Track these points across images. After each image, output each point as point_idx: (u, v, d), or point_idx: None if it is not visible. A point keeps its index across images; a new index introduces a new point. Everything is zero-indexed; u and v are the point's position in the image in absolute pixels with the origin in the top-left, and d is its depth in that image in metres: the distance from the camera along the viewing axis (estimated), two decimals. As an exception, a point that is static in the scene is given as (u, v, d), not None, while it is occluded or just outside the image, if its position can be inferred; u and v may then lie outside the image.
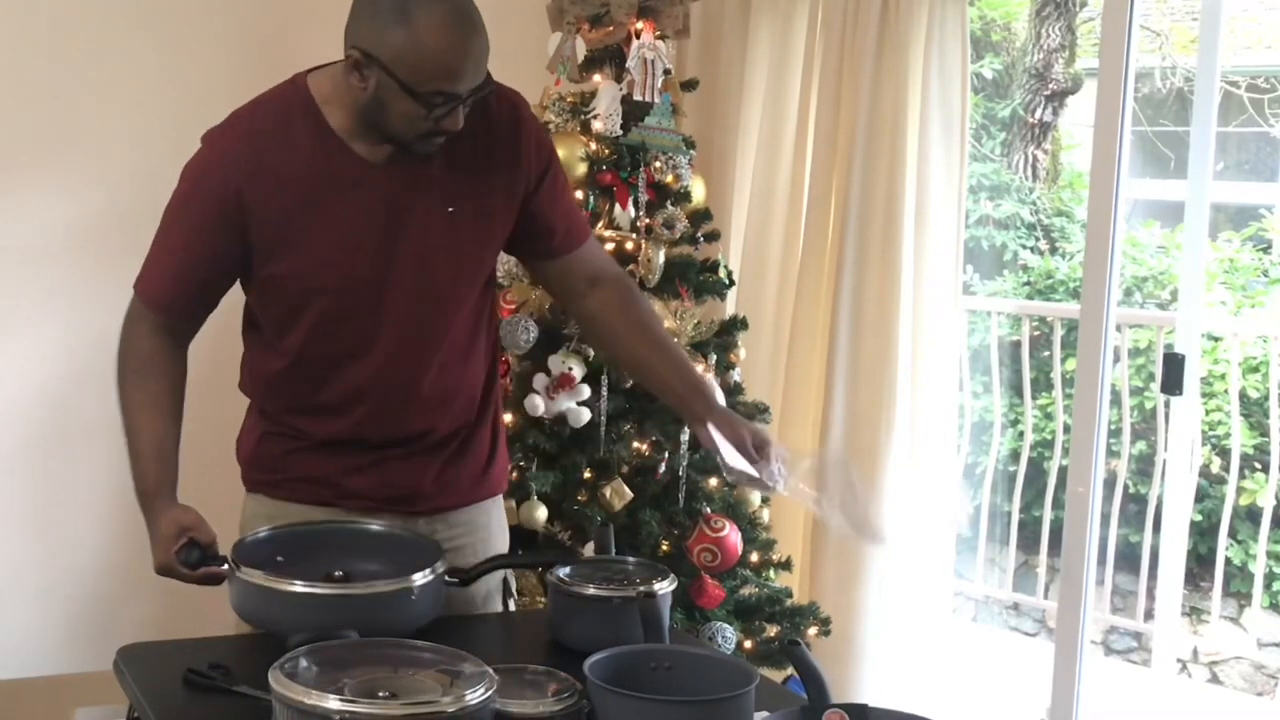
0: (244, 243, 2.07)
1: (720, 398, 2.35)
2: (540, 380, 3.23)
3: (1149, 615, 4.97)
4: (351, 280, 2.09)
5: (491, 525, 2.33)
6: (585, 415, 3.25)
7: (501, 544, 2.36)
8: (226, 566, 1.96)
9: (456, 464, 2.25)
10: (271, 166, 2.05)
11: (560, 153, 3.28)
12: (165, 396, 2.13)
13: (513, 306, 3.30)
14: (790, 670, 3.11)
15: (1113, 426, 4.91)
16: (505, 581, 2.34)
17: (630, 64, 3.38)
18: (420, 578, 1.94)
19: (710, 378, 2.73)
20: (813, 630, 3.48)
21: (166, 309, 2.14)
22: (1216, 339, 5.65)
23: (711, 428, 2.15)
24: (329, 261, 2.08)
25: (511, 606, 2.38)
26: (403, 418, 2.17)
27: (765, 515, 3.54)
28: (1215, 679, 5.59)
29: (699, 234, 3.52)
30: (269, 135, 2.07)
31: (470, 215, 2.12)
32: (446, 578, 2.01)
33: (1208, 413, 5.59)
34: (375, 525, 2.14)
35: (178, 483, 2.10)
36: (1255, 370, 5.52)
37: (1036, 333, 5.80)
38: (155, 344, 2.13)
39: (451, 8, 1.93)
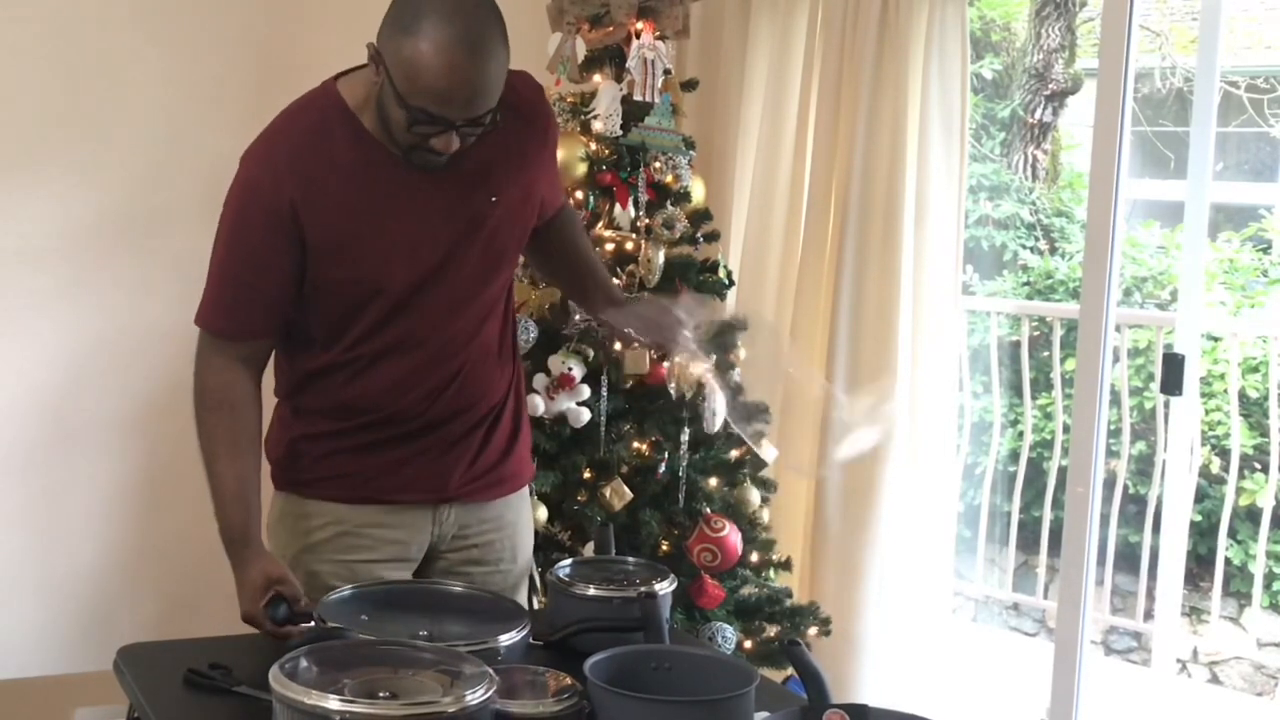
0: (298, 251, 2.07)
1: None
2: (540, 380, 3.23)
3: (1149, 615, 4.97)
4: (409, 281, 2.11)
5: (519, 522, 2.37)
6: (585, 415, 3.25)
7: (527, 540, 2.40)
8: (313, 623, 1.92)
9: (485, 456, 2.27)
10: (317, 176, 2.06)
11: (560, 153, 3.31)
12: (244, 435, 2.11)
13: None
14: (790, 670, 3.11)
15: (1112, 426, 4.91)
16: (532, 577, 2.36)
17: (630, 64, 3.38)
18: (506, 639, 1.89)
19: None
20: (813, 630, 3.48)
21: (237, 336, 2.12)
22: (1216, 339, 5.65)
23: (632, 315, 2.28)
24: (386, 264, 2.09)
25: (536, 604, 2.39)
26: (440, 410, 2.20)
27: (765, 515, 3.54)
28: (1215, 679, 5.59)
29: (699, 234, 3.52)
30: (310, 146, 2.08)
31: (511, 204, 2.17)
32: (532, 639, 1.97)
33: (1207, 413, 5.59)
34: (458, 586, 2.13)
35: (258, 520, 2.10)
36: (1255, 370, 5.52)
37: (1036, 333, 5.80)
38: (229, 378, 2.11)
39: (460, 32, 1.90)
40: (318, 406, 2.22)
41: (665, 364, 3.31)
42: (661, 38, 3.44)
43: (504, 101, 2.06)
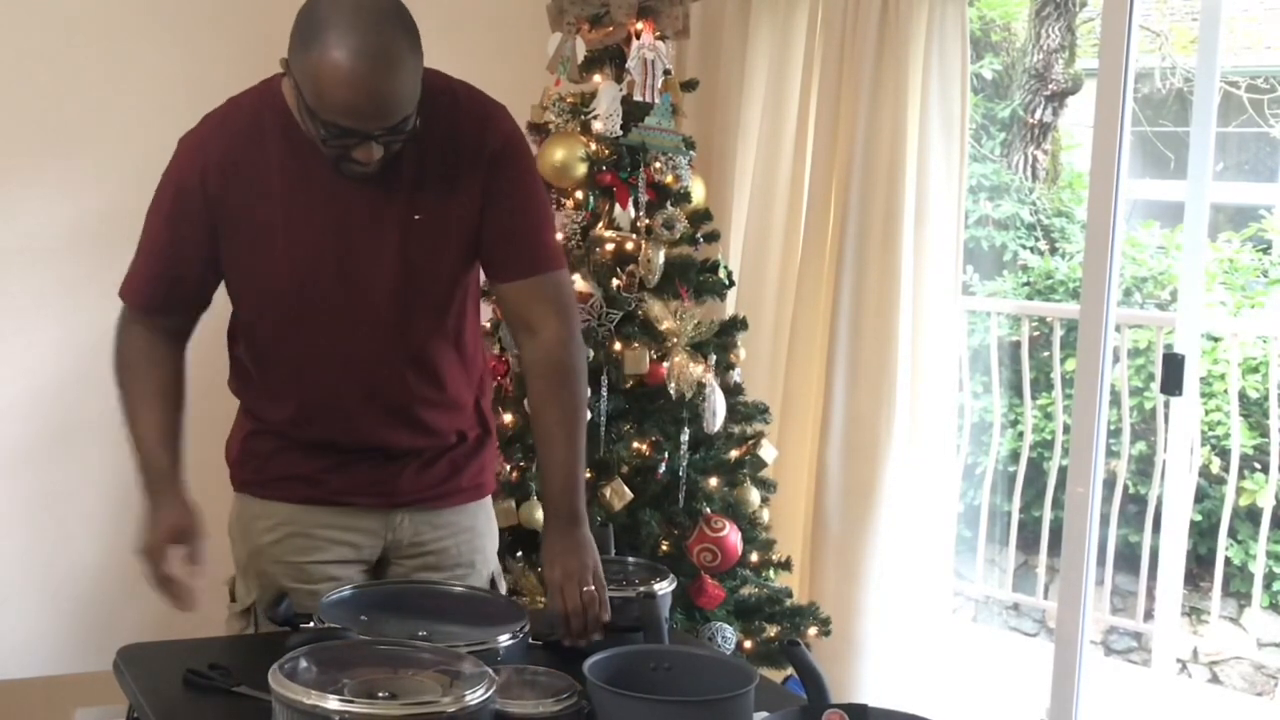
0: (212, 238, 2.08)
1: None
2: (540, 380, 3.22)
3: (1149, 615, 4.97)
4: (308, 285, 2.09)
5: (477, 527, 2.33)
6: (585, 415, 3.24)
7: (490, 546, 2.36)
8: (312, 623, 1.92)
9: (437, 466, 2.25)
10: (241, 166, 2.06)
11: (560, 153, 3.33)
12: (161, 388, 2.13)
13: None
14: (790, 670, 3.11)
15: (1112, 427, 4.91)
16: (493, 579, 2.34)
17: (630, 64, 3.38)
18: (505, 639, 1.90)
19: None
20: (813, 630, 3.48)
21: (147, 309, 2.15)
22: (1216, 339, 5.65)
23: (544, 563, 2.10)
24: (287, 264, 2.08)
25: None
26: (375, 426, 2.17)
27: (765, 515, 3.54)
28: (1215, 679, 5.59)
29: (699, 234, 3.52)
30: (240, 135, 2.07)
31: (434, 225, 2.10)
32: (531, 640, 1.97)
33: (1207, 413, 5.59)
34: (459, 587, 2.14)
35: (180, 467, 2.09)
36: (1255, 370, 5.52)
37: (1036, 333, 5.80)
38: (146, 342, 2.15)
39: (362, 43, 1.85)
40: (260, 404, 2.22)
41: (664, 364, 3.32)
42: (661, 38, 3.44)
43: (460, 126, 2.05)
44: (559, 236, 3.25)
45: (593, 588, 2.04)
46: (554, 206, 3.34)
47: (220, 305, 2.20)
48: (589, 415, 3.15)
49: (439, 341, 2.18)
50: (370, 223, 2.07)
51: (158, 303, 2.15)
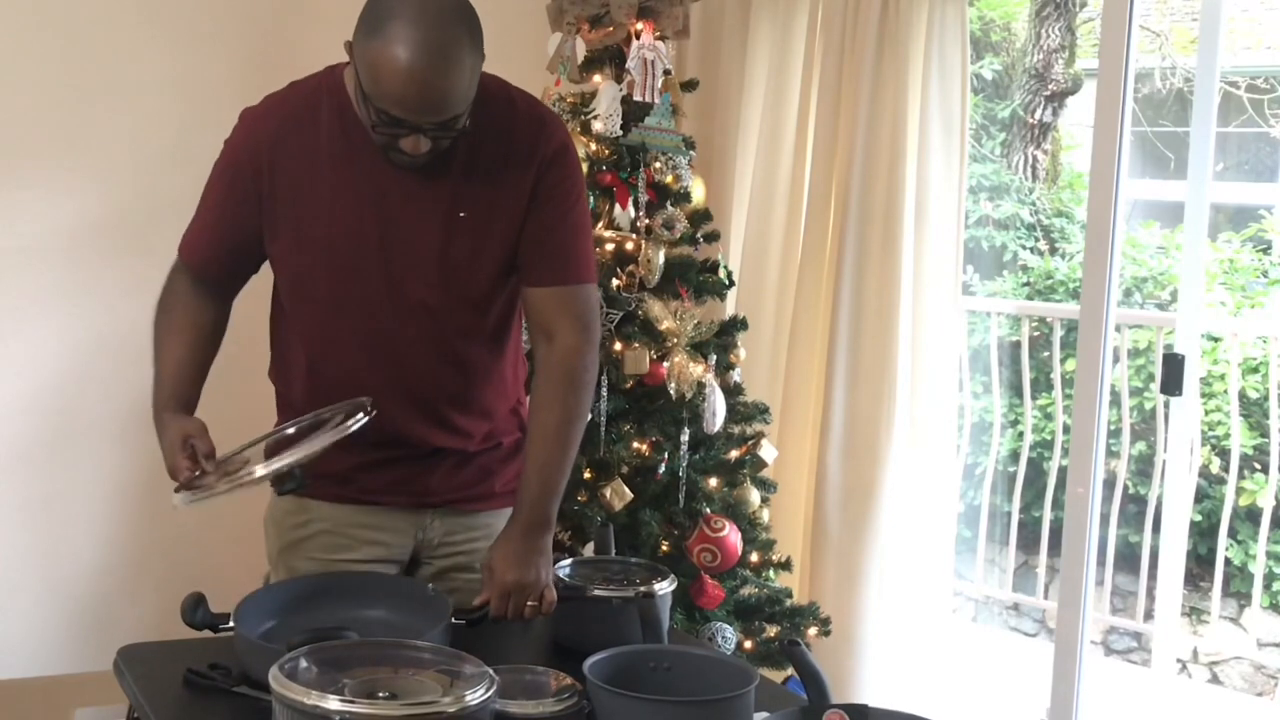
0: (259, 210, 2.11)
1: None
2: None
3: (1149, 615, 4.97)
4: (347, 269, 2.10)
5: None
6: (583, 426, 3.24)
7: None
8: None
9: (469, 469, 2.26)
10: (294, 146, 2.09)
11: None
12: (190, 329, 2.17)
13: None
14: (790, 670, 3.11)
15: (1112, 427, 4.91)
16: None
17: (630, 64, 3.38)
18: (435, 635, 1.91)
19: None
20: (813, 630, 3.48)
21: (199, 268, 2.20)
22: (1216, 339, 5.65)
23: (491, 554, 2.08)
24: (326, 245, 2.10)
25: None
26: (404, 420, 2.17)
27: (765, 515, 3.54)
28: (1215, 679, 5.59)
29: (699, 234, 3.52)
30: (296, 117, 2.10)
31: (478, 224, 2.12)
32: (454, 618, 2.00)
33: (1207, 413, 5.59)
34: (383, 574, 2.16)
35: (195, 402, 2.13)
36: (1255, 371, 5.52)
37: (1036, 333, 5.80)
38: (188, 289, 2.20)
39: (424, 36, 1.88)
40: (294, 391, 2.23)
41: (664, 364, 3.32)
42: (661, 38, 3.44)
43: (515, 128, 2.07)
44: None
45: (536, 604, 2.02)
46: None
47: (263, 290, 2.23)
48: (588, 419, 3.16)
49: (475, 342, 2.19)
50: (415, 214, 2.09)
51: (211, 265, 2.20)
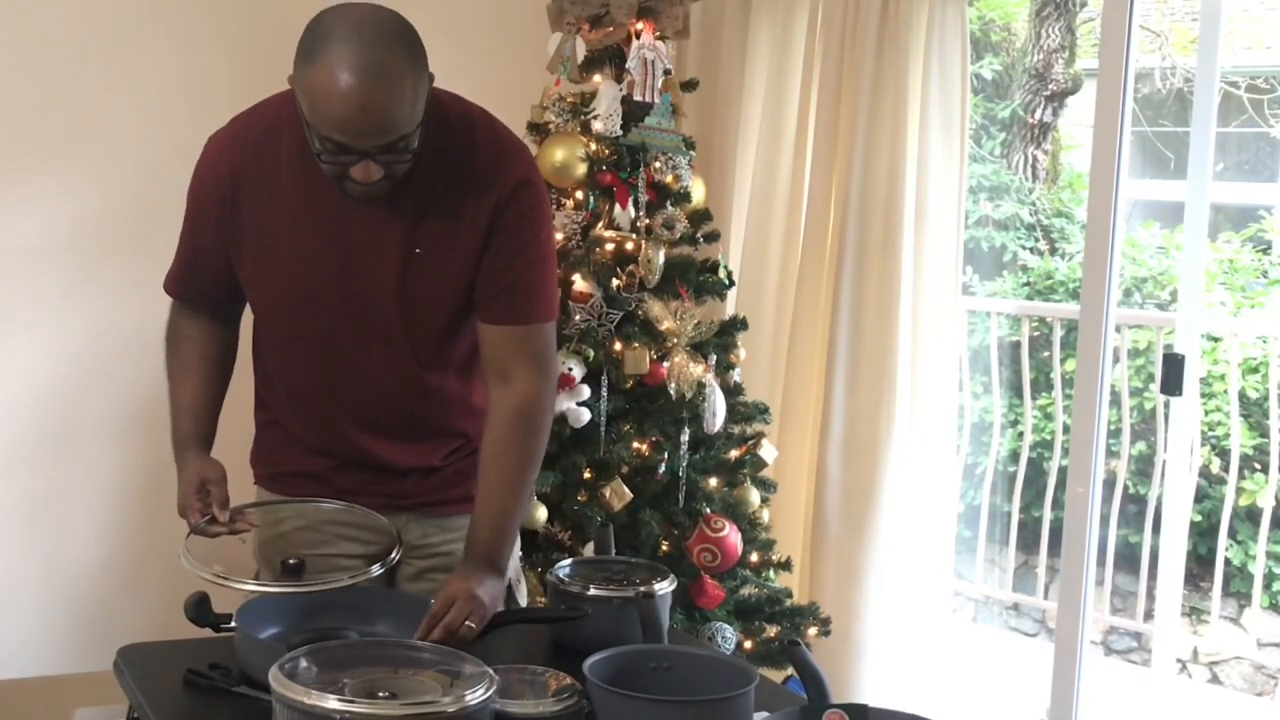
0: (227, 239, 2.12)
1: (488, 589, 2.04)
2: (540, 380, 3.22)
3: (1149, 615, 4.97)
4: (308, 299, 2.11)
5: None
6: (585, 415, 3.25)
7: None
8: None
9: (442, 474, 2.26)
10: (254, 175, 2.08)
11: (560, 153, 3.33)
12: (197, 362, 2.20)
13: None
14: (790, 670, 3.11)
15: (1112, 427, 4.91)
16: (510, 585, 2.33)
17: (630, 64, 3.38)
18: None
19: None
20: (813, 630, 3.48)
21: (187, 301, 2.23)
22: (1216, 339, 5.65)
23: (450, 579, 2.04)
24: (288, 276, 2.10)
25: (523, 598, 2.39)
26: (370, 444, 2.20)
27: (765, 515, 3.54)
28: (1215, 679, 5.59)
29: (699, 234, 3.52)
30: (257, 145, 2.09)
31: (434, 261, 2.08)
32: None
33: (1207, 413, 5.59)
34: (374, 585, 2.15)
35: (213, 434, 2.18)
36: (1255, 371, 5.52)
37: (1036, 333, 5.80)
38: (189, 322, 2.23)
39: (359, 57, 1.83)
40: (271, 400, 2.26)
41: (664, 364, 3.32)
42: (661, 38, 3.44)
43: (473, 159, 2.05)
44: (559, 236, 3.26)
45: (474, 625, 1.94)
46: (555, 206, 3.34)
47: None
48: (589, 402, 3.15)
49: (442, 373, 2.18)
50: (372, 247, 2.07)
51: (193, 294, 2.22)
